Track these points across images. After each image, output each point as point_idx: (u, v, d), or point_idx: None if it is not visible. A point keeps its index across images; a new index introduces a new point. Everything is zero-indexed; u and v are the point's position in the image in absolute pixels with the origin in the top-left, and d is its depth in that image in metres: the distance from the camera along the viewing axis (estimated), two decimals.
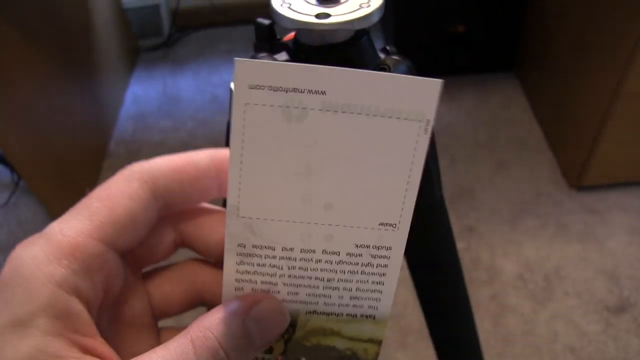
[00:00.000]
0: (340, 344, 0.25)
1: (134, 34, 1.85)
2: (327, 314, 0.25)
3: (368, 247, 0.23)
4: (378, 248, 0.23)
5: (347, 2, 0.36)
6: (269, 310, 0.23)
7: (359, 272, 0.24)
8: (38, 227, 0.22)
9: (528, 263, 1.17)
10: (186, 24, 1.94)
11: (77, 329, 0.20)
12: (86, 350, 0.20)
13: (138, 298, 0.25)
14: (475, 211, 1.28)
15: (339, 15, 0.34)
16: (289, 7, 0.36)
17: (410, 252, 0.46)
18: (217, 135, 1.50)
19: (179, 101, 1.66)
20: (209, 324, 0.21)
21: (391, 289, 0.24)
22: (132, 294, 0.25)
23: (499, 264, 1.17)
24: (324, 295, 0.24)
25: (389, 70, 0.37)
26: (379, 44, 0.40)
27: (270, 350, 0.25)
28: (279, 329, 0.23)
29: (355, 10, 0.35)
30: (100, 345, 0.21)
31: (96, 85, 1.52)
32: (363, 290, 0.24)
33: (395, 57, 0.39)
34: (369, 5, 0.35)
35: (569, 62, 1.29)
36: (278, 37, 0.40)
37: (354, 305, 0.24)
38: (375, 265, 0.24)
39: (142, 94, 1.71)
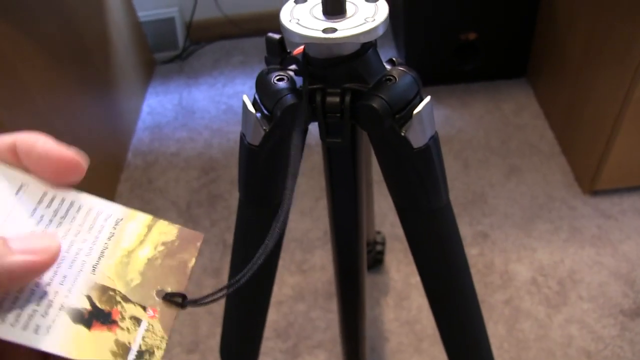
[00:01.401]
0: None
1: (149, 47, 1.89)
2: None
3: None
4: None
5: (353, 16, 0.38)
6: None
7: None
8: None
9: (542, 268, 1.18)
10: (200, 37, 1.98)
11: None
12: None
13: None
14: (488, 217, 1.28)
15: (345, 29, 0.36)
16: (297, 23, 0.38)
17: (420, 257, 0.48)
18: (233, 145, 1.52)
19: (194, 112, 1.69)
20: None
21: None
22: None
23: (512, 269, 1.18)
24: None
25: (395, 81, 0.39)
26: (391, 53, 0.42)
27: None
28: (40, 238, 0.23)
29: (361, 25, 0.36)
30: None
31: (113, 97, 1.55)
32: None
33: (401, 68, 0.40)
34: (374, 20, 0.37)
35: (580, 68, 1.29)
36: (288, 50, 0.42)
37: None
38: None
39: (158, 105, 1.74)
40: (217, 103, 1.72)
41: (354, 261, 0.58)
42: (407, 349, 1.06)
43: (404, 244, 1.23)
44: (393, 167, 0.42)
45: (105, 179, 1.44)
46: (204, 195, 1.42)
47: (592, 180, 1.29)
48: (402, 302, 1.13)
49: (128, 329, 0.24)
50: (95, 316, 0.24)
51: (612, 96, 1.14)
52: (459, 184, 1.36)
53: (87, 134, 1.37)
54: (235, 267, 0.52)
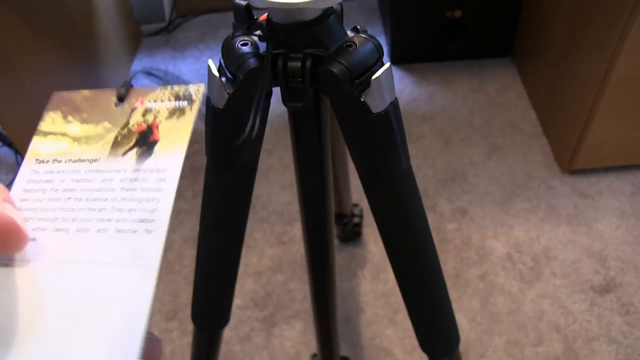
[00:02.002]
0: None
1: (135, 19, 1.88)
2: None
3: None
4: None
5: None
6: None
7: None
8: None
9: (517, 244, 1.20)
10: (187, 10, 1.96)
11: None
12: None
13: None
14: (468, 194, 1.30)
15: None
16: None
17: (382, 223, 0.49)
18: None
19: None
20: None
21: None
22: None
23: (489, 244, 1.20)
24: None
25: (355, 48, 0.40)
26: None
27: None
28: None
29: None
30: None
31: (98, 69, 1.54)
32: None
33: (363, 35, 0.41)
34: None
35: (563, 48, 1.30)
36: (255, 17, 0.42)
37: None
38: None
39: (143, 78, 1.74)
40: (203, 76, 1.72)
41: (322, 229, 0.59)
42: (382, 320, 1.08)
43: None
44: (354, 132, 0.43)
45: None
46: (187, 166, 1.42)
47: (570, 160, 1.30)
48: (378, 274, 1.15)
49: None
50: None
51: (591, 78, 1.16)
52: (440, 162, 1.38)
53: None
54: (205, 229, 0.53)
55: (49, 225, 0.24)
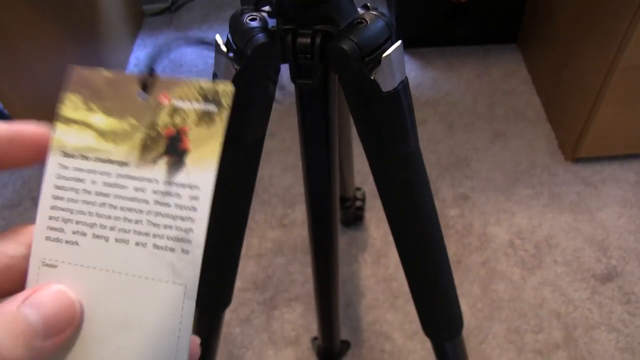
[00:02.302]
0: None
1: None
2: None
3: None
4: None
5: None
6: (47, 293, 0.22)
7: None
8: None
9: (520, 231, 1.20)
10: None
11: None
12: None
13: None
14: (471, 179, 1.30)
15: None
16: None
17: (388, 204, 0.48)
18: None
19: (181, 65, 1.68)
20: None
21: None
22: None
23: (491, 231, 1.20)
24: None
25: (366, 25, 0.39)
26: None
27: None
28: (64, 311, 0.22)
29: None
30: None
31: (100, 49, 1.53)
32: None
33: (373, 12, 0.40)
34: None
35: (569, 35, 1.29)
36: None
37: None
38: None
39: (145, 58, 1.72)
40: (205, 57, 1.71)
41: (327, 211, 0.59)
42: (383, 305, 1.08)
43: None
44: (363, 111, 0.42)
45: None
46: None
47: (574, 148, 1.30)
48: (380, 259, 1.15)
49: None
50: None
51: (597, 66, 1.14)
52: (443, 147, 1.37)
53: None
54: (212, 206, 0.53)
55: (88, 230, 0.24)
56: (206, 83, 0.24)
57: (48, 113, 1.12)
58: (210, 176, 0.23)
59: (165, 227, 0.23)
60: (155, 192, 0.23)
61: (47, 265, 0.23)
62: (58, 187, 0.24)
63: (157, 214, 0.23)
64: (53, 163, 0.24)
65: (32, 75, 1.18)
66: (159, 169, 0.23)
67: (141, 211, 0.23)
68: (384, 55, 0.39)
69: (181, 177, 0.23)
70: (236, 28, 0.41)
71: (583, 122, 1.23)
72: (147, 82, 0.25)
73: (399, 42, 0.40)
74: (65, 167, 0.24)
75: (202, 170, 0.23)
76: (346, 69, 0.39)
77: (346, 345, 0.99)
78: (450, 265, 0.54)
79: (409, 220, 0.48)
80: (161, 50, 0.27)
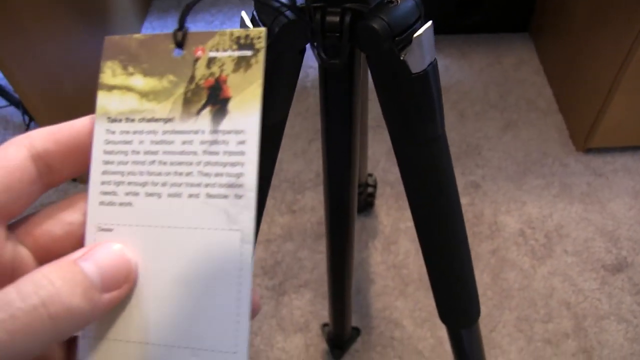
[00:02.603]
0: None
1: None
2: None
3: None
4: None
5: None
6: (103, 249, 0.23)
7: None
8: None
9: (530, 221, 1.19)
10: None
11: None
12: None
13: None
14: (481, 168, 1.29)
15: None
16: None
17: (411, 187, 0.48)
18: None
19: None
20: (39, 268, 0.20)
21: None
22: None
23: (501, 220, 1.19)
24: None
25: (396, 4, 0.38)
26: None
27: None
28: (120, 266, 0.23)
29: None
30: None
31: (107, 31, 1.52)
32: None
33: None
34: None
35: (584, 24, 1.27)
36: None
37: None
38: None
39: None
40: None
41: (345, 196, 0.58)
42: (393, 292, 1.08)
43: (395, 189, 1.23)
44: (390, 93, 0.41)
45: None
46: None
47: (586, 139, 1.29)
48: (390, 246, 1.15)
49: None
50: None
51: (613, 56, 1.13)
52: (455, 135, 1.36)
53: (82, 64, 1.35)
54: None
55: (140, 189, 0.24)
56: (238, 31, 0.24)
57: (55, 94, 1.11)
58: (255, 119, 0.23)
59: (216, 175, 0.23)
60: (202, 142, 0.23)
61: (103, 230, 0.24)
62: (107, 152, 0.24)
63: (207, 163, 0.23)
64: (100, 130, 0.24)
65: (40, 57, 1.16)
66: (204, 120, 0.24)
67: (191, 163, 0.23)
68: (415, 35, 0.38)
69: (226, 124, 0.23)
70: (263, 5, 0.40)
71: (596, 112, 1.22)
72: (180, 38, 0.25)
73: (429, 23, 0.39)
74: (112, 132, 0.24)
75: (245, 114, 0.23)
76: (376, 49, 0.38)
77: (356, 331, 0.98)
78: (470, 252, 0.54)
79: (432, 206, 0.47)
80: (190, 7, 0.27)
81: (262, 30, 0.24)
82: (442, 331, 1.02)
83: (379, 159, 1.27)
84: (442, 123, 0.43)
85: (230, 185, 0.23)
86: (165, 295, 0.23)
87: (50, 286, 0.19)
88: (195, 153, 0.23)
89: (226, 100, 0.24)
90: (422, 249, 0.52)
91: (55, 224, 0.24)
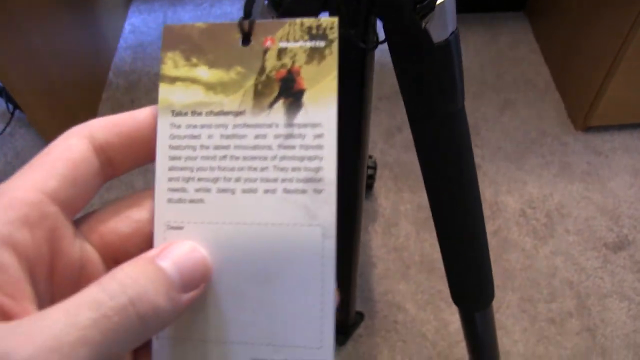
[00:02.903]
0: None
1: None
2: None
3: None
4: None
5: None
6: (180, 248, 0.22)
7: None
8: None
9: (531, 200, 1.18)
10: None
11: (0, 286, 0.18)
12: (2, 311, 0.18)
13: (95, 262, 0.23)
14: (481, 149, 1.27)
15: None
16: None
17: (429, 163, 0.46)
18: None
19: None
20: (120, 266, 0.20)
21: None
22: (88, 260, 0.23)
23: (502, 200, 1.18)
24: None
25: None
26: None
27: None
28: (197, 265, 0.22)
29: None
30: (22, 310, 0.18)
31: (94, 15, 1.48)
32: None
33: None
34: None
35: (582, 3, 1.25)
36: None
37: None
38: None
39: (141, 24, 1.67)
40: (205, 19, 1.65)
41: (354, 178, 0.56)
42: (394, 275, 1.06)
43: (394, 171, 1.22)
44: (410, 64, 0.39)
45: (85, 98, 1.39)
46: None
47: (585, 117, 1.27)
48: (390, 229, 1.13)
49: None
50: None
51: (613, 33, 1.11)
52: None
53: (67, 50, 1.31)
54: None
55: (212, 186, 0.23)
56: (308, 20, 0.23)
57: (41, 82, 1.08)
58: (332, 112, 0.22)
59: (293, 169, 0.22)
60: (277, 136, 0.23)
61: (172, 228, 0.23)
62: (173, 147, 0.23)
63: (283, 157, 0.22)
64: (164, 124, 0.23)
65: (25, 45, 1.13)
66: (277, 113, 0.23)
67: (265, 158, 0.23)
68: (438, 1, 0.35)
69: (301, 117, 0.23)
70: None
71: (595, 90, 1.20)
72: (247, 28, 0.23)
73: None
74: (178, 126, 0.23)
75: (322, 107, 0.22)
76: (396, 17, 0.36)
77: (360, 316, 0.97)
78: (486, 233, 0.52)
79: (450, 184, 0.46)
80: None
81: (334, 20, 0.23)
82: (445, 313, 1.01)
83: (377, 140, 1.25)
84: (462, 96, 0.41)
85: (309, 180, 0.22)
86: (242, 292, 0.22)
87: (137, 285, 0.19)
88: (269, 147, 0.23)
89: (300, 93, 0.23)
90: (437, 229, 0.51)
91: (122, 221, 0.23)
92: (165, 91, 0.24)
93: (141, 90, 1.46)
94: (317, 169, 0.22)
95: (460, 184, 0.45)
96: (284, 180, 0.22)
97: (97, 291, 0.18)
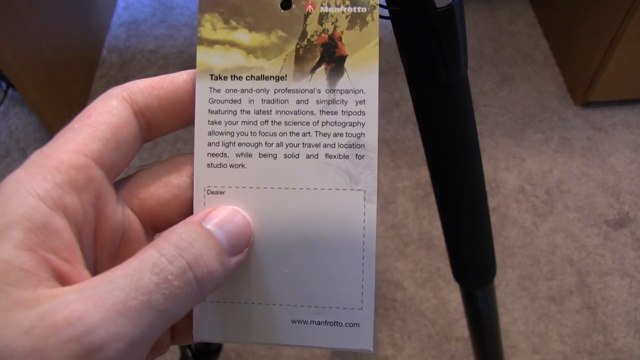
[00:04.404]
0: None
1: None
2: None
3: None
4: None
5: None
6: (225, 213, 0.22)
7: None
8: (29, 136, 0.20)
9: (530, 177, 1.16)
10: None
11: (55, 248, 0.18)
12: (59, 275, 0.18)
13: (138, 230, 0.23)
14: (479, 124, 1.25)
15: None
16: None
17: (430, 135, 0.44)
18: None
19: (173, 8, 1.59)
20: (170, 229, 0.20)
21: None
22: (130, 228, 0.23)
23: (501, 177, 1.16)
24: None
25: None
26: None
27: None
28: (242, 230, 0.22)
29: None
30: (78, 274, 0.18)
31: None
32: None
33: None
34: None
35: None
36: None
37: None
38: None
39: (134, 1, 1.64)
40: (198, 4, 1.62)
41: None
42: (393, 253, 1.05)
43: (391, 147, 1.20)
44: (411, 30, 0.37)
45: (79, 75, 1.36)
46: None
47: (585, 92, 1.25)
48: (388, 206, 1.12)
49: None
50: None
51: (615, 6, 1.09)
52: None
53: (60, 28, 1.28)
54: None
55: (253, 151, 0.23)
56: None
57: (34, 59, 1.05)
58: (374, 78, 0.23)
59: (335, 135, 0.22)
60: (319, 101, 0.23)
61: (213, 192, 0.23)
62: (213, 112, 0.23)
63: (325, 123, 0.23)
64: (203, 88, 0.23)
65: (20, 21, 1.10)
66: (319, 78, 0.23)
67: (307, 123, 0.23)
68: None
69: (343, 83, 0.23)
70: None
71: (596, 65, 1.18)
72: None
73: None
74: (217, 90, 0.23)
75: (364, 74, 0.23)
76: None
77: None
78: (488, 207, 0.50)
79: (453, 155, 0.44)
80: None
81: None
82: (444, 291, 1.00)
83: None
84: (466, 64, 0.40)
85: (351, 146, 0.22)
86: (284, 256, 0.23)
87: (193, 249, 0.19)
88: (312, 113, 0.23)
89: (342, 59, 0.23)
90: (438, 203, 0.49)
91: (162, 186, 0.23)
92: (203, 54, 0.23)
93: (135, 67, 1.43)
94: (359, 135, 0.22)
95: (463, 155, 0.43)
96: (326, 146, 0.22)
97: (156, 255, 0.18)
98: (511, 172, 1.17)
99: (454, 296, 1.00)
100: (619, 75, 1.18)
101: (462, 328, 0.96)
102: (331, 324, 0.23)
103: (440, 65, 0.38)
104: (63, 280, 0.18)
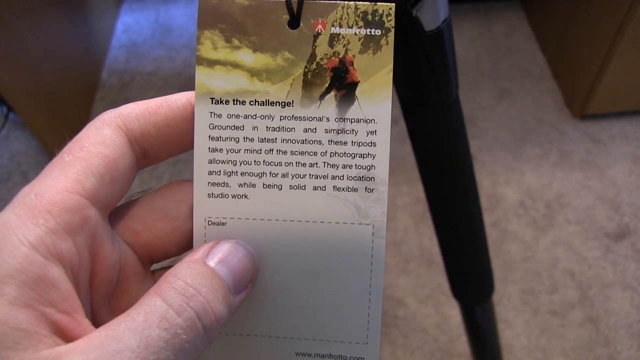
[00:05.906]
0: None
1: None
2: None
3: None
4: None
5: None
6: (229, 249, 0.21)
7: None
8: (31, 159, 0.20)
9: (530, 191, 1.17)
10: None
11: (52, 301, 0.17)
12: (59, 329, 0.17)
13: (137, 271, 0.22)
14: (477, 139, 1.26)
15: None
16: None
17: (424, 155, 0.44)
18: None
19: (171, 30, 1.61)
20: (173, 272, 0.19)
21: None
22: (129, 267, 0.22)
23: (500, 191, 1.16)
24: None
25: None
26: None
27: None
28: (247, 266, 0.21)
29: None
30: (78, 325, 0.17)
31: (86, 14, 1.46)
32: None
33: None
34: None
35: None
36: None
37: None
38: None
39: (133, 23, 1.65)
40: (196, 20, 1.64)
41: None
42: (394, 270, 1.05)
43: (391, 164, 1.20)
44: (400, 53, 0.38)
45: (79, 98, 1.38)
46: None
47: (582, 105, 1.26)
48: (388, 223, 1.12)
49: None
50: None
51: (609, 19, 1.10)
52: None
53: (59, 50, 1.30)
54: None
55: (257, 181, 0.22)
56: (363, 4, 0.21)
57: (34, 82, 1.06)
58: (387, 107, 0.21)
59: (344, 166, 0.21)
60: (327, 131, 0.21)
61: (214, 223, 0.22)
62: (213, 139, 0.22)
63: (333, 153, 0.21)
64: (203, 113, 0.22)
65: (19, 45, 1.11)
66: (328, 106, 0.21)
67: (315, 153, 0.21)
68: None
69: (354, 111, 0.21)
70: None
71: (593, 77, 1.19)
72: (296, 8, 0.21)
73: None
74: (218, 115, 0.22)
75: (376, 102, 0.21)
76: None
77: None
78: (484, 224, 0.51)
79: (446, 175, 0.44)
80: None
81: (392, 6, 0.21)
82: (446, 307, 1.00)
83: None
84: (456, 86, 0.40)
85: (361, 178, 0.21)
86: (288, 288, 0.22)
87: (199, 296, 0.18)
88: (320, 142, 0.21)
89: (353, 85, 0.21)
90: (434, 221, 0.49)
91: (159, 219, 0.22)
92: (202, 75, 0.22)
93: (135, 89, 1.44)
94: (369, 167, 0.21)
95: (456, 175, 0.44)
96: (334, 177, 0.21)
97: (164, 307, 0.18)
98: (510, 186, 1.17)
99: (455, 312, 0.99)
100: (615, 87, 1.19)
101: (464, 344, 0.96)
102: (336, 357, 0.22)
103: (432, 87, 0.39)
104: (63, 334, 0.17)
